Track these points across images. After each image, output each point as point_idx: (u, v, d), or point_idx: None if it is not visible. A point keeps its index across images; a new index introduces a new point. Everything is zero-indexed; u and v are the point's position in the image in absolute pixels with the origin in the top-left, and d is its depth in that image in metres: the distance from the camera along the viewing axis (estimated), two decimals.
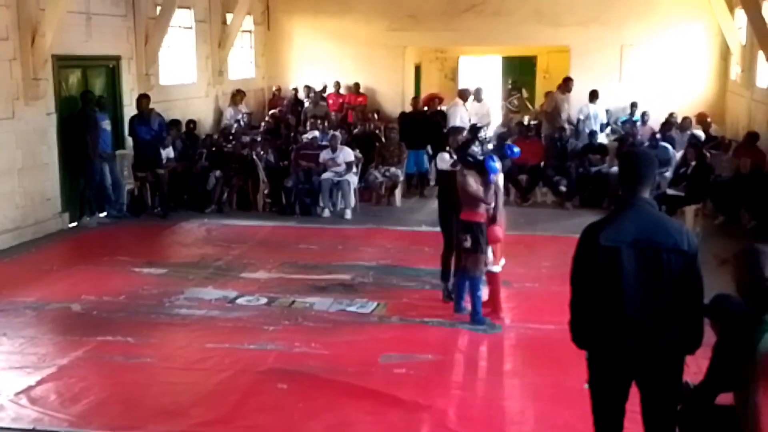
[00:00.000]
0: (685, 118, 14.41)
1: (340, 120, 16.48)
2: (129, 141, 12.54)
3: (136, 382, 6.33)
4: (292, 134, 14.41)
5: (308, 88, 17.59)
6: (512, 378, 6.39)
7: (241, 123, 15.33)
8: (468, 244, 7.36)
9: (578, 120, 14.90)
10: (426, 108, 15.54)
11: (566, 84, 15.71)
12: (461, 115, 14.41)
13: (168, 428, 5.53)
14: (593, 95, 15.36)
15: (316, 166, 12.70)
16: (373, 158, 13.76)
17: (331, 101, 17.38)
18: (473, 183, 7.33)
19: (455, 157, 7.74)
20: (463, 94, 15.53)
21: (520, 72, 22.07)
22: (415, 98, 16.30)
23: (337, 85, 17.70)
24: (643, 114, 15.19)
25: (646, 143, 13.06)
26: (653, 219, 3.98)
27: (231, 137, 13.98)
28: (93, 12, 11.91)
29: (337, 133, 13.60)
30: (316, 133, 13.58)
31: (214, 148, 13.43)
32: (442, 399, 5.90)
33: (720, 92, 16.41)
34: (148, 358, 6.76)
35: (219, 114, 16.08)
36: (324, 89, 17.55)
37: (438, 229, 8.35)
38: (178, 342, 7.22)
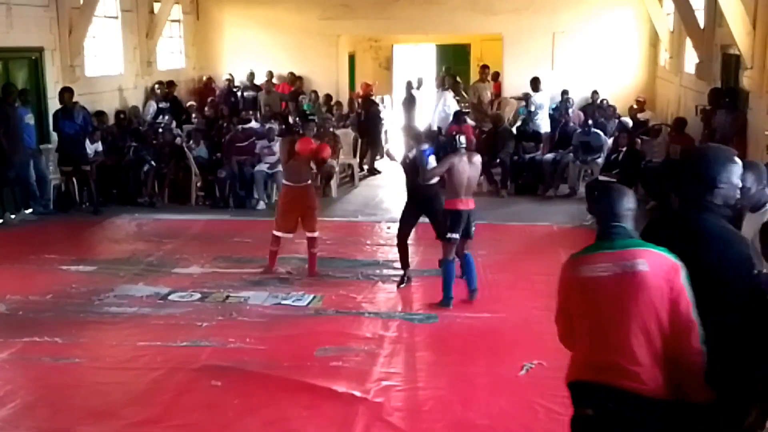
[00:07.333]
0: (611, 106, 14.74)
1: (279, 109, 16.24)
2: (54, 135, 12.17)
3: (64, 383, 6.16)
4: (226, 125, 14.14)
5: (231, 78, 17.31)
6: (448, 367, 6.38)
7: (166, 116, 14.92)
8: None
9: (529, 112, 14.33)
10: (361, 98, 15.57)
11: (482, 73, 15.86)
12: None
13: (98, 430, 5.40)
14: (536, 83, 14.64)
15: (251, 157, 12.49)
16: None
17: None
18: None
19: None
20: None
21: (454, 60, 22.12)
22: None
23: (270, 74, 17.47)
24: (569, 99, 15.17)
25: (579, 130, 13.20)
26: None
27: (161, 129, 13.63)
28: (13, 2, 11.52)
29: (274, 125, 13.40)
30: (254, 123, 13.20)
31: (142, 141, 13.06)
32: (378, 391, 5.88)
33: (650, 78, 16.67)
34: (77, 359, 6.59)
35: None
36: (252, 77, 17.29)
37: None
38: (109, 341, 7.04)
